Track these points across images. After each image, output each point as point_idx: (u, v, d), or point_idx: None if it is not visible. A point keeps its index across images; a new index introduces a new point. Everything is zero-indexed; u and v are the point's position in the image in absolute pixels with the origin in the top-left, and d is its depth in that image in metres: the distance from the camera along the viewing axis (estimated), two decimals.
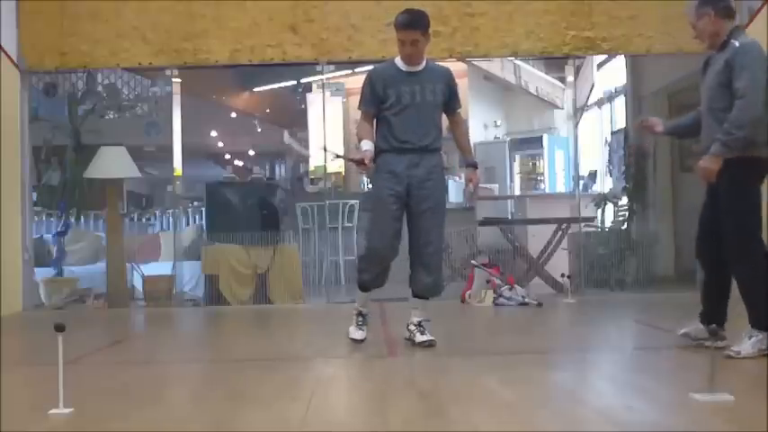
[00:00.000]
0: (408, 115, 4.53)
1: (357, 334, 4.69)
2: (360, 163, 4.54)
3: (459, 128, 4.81)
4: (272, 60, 7.91)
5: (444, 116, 4.74)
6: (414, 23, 4.48)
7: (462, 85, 11.46)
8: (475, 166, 4.73)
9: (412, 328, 4.59)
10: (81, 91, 11.23)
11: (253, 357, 4.63)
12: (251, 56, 7.86)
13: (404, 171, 4.52)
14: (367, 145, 4.54)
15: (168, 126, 8.60)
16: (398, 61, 4.62)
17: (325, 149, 5.15)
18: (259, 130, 17.17)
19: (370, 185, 4.70)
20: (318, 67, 8.27)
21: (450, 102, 4.67)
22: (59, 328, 3.03)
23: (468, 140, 4.93)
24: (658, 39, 7.75)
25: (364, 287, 4.68)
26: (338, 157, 4.76)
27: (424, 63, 4.60)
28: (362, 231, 4.90)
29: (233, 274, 7.98)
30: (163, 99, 12.68)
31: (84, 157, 8.78)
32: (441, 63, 4.97)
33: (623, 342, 5.32)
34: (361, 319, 4.69)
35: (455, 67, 10.46)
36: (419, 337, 4.52)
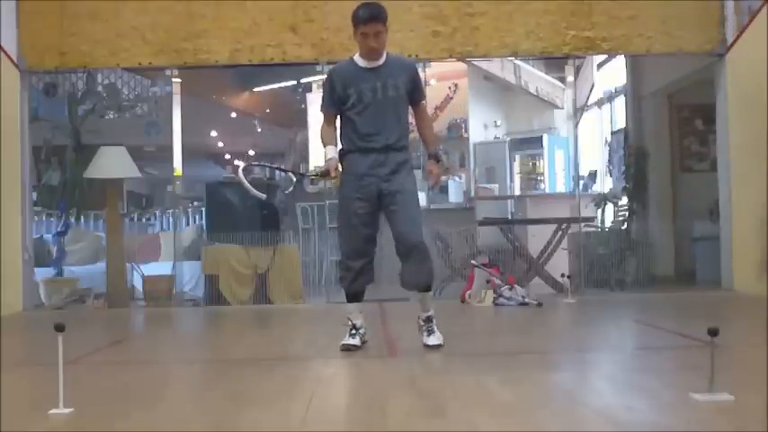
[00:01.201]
0: (371, 113, 4.45)
1: (349, 339, 4.51)
2: (326, 175, 4.46)
3: (423, 119, 4.70)
4: (272, 60, 7.92)
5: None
6: (376, 16, 4.43)
7: (462, 85, 11.56)
8: (437, 158, 4.60)
9: (421, 323, 4.52)
10: (81, 91, 11.22)
11: (253, 357, 4.63)
12: (251, 56, 7.87)
13: (369, 171, 4.43)
14: (331, 152, 4.47)
15: (168, 126, 8.60)
16: (357, 58, 4.56)
17: (284, 171, 4.94)
18: (259, 130, 17.16)
19: (338, 189, 4.60)
20: (318, 67, 8.26)
21: (414, 94, 4.57)
22: (59, 328, 3.03)
23: (433, 132, 4.82)
24: (658, 39, 7.76)
25: (346, 293, 4.58)
26: (303, 176, 4.61)
27: (384, 57, 4.52)
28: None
29: (233, 274, 7.99)
30: (163, 99, 12.66)
31: (84, 157, 8.79)
32: (402, 56, 4.86)
33: (623, 342, 5.32)
34: (354, 330, 4.53)
35: (455, 67, 10.60)
36: (427, 339, 4.46)
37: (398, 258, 4.49)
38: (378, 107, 4.45)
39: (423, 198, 9.44)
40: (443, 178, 11.09)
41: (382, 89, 4.45)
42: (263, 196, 4.82)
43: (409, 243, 4.42)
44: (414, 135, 4.80)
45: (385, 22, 4.46)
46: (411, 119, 4.63)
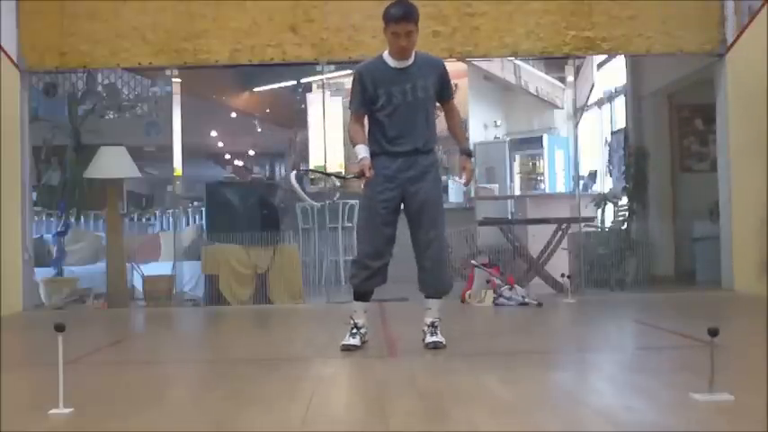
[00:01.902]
0: (400, 116, 4.40)
1: (349, 339, 4.48)
2: (361, 175, 4.38)
3: (452, 116, 4.66)
4: (272, 60, 7.92)
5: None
6: (408, 15, 4.37)
7: (462, 85, 11.54)
8: (469, 154, 4.60)
9: (425, 329, 4.49)
10: (81, 91, 11.23)
11: (253, 357, 4.63)
12: (251, 56, 7.86)
13: (396, 174, 4.40)
14: (363, 151, 4.39)
15: (168, 126, 8.60)
16: (387, 57, 4.47)
17: (328, 174, 4.90)
18: (259, 130, 17.16)
19: (363, 188, 4.54)
20: (318, 67, 8.27)
21: (443, 92, 4.54)
22: (59, 328, 3.03)
23: (462, 128, 4.77)
24: (658, 39, 7.76)
25: (354, 291, 4.54)
26: (344, 178, 4.57)
27: (413, 57, 4.46)
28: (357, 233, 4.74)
29: (233, 274, 7.99)
30: (163, 99, 12.67)
31: (84, 157, 8.79)
32: (430, 54, 4.84)
33: (623, 342, 5.32)
34: (355, 330, 4.49)
35: (455, 67, 10.58)
36: (428, 338, 4.44)
37: (417, 262, 4.47)
38: (407, 110, 4.39)
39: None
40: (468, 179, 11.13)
41: (412, 91, 4.40)
42: (316, 204, 4.86)
43: (429, 255, 4.42)
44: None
45: (417, 21, 4.41)
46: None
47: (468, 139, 4.90)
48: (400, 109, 4.39)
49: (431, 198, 4.44)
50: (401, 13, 4.37)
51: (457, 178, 11.37)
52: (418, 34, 4.45)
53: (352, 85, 4.55)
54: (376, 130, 4.47)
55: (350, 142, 4.54)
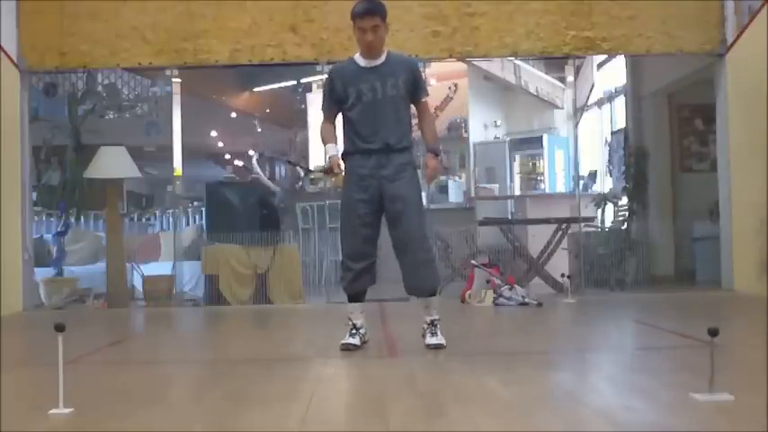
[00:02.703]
0: (370, 113, 4.40)
1: (349, 338, 4.47)
2: (329, 171, 4.43)
3: (423, 117, 4.62)
4: (272, 60, 7.92)
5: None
6: (373, 9, 4.39)
7: (462, 85, 11.56)
8: (434, 152, 4.53)
9: (424, 326, 4.48)
10: (81, 91, 11.23)
11: (253, 357, 4.63)
12: (251, 56, 7.86)
13: (371, 172, 4.39)
14: (332, 149, 4.44)
15: (168, 126, 8.60)
16: (358, 57, 4.52)
17: (291, 163, 4.98)
18: (259, 130, 17.17)
19: (340, 188, 4.57)
20: (318, 67, 8.26)
21: (416, 92, 4.51)
22: (59, 328, 3.03)
23: (433, 129, 4.69)
24: (658, 39, 7.76)
25: (346, 294, 4.54)
26: (309, 171, 4.61)
27: (384, 55, 4.47)
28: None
29: (233, 274, 7.99)
30: (163, 99, 12.68)
31: (84, 157, 8.79)
32: (404, 54, 4.81)
33: (623, 342, 5.32)
34: (354, 330, 4.49)
35: (455, 67, 10.59)
36: (429, 339, 4.42)
37: (399, 263, 4.44)
38: (377, 107, 4.40)
39: (423, 198, 9.53)
40: (442, 177, 11.13)
41: (381, 88, 4.40)
42: (277, 189, 4.87)
43: (409, 254, 4.37)
44: (416, 134, 4.77)
45: (383, 17, 4.41)
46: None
47: (439, 141, 4.85)
48: (370, 106, 4.40)
49: (407, 196, 4.41)
50: (364, 7, 4.42)
51: (464, 175, 11.39)
52: (387, 31, 4.47)
53: (323, 86, 4.61)
54: (348, 128, 4.49)
55: (321, 142, 4.57)
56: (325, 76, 4.79)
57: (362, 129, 4.43)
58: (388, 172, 4.40)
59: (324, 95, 4.57)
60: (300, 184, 4.37)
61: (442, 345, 4.39)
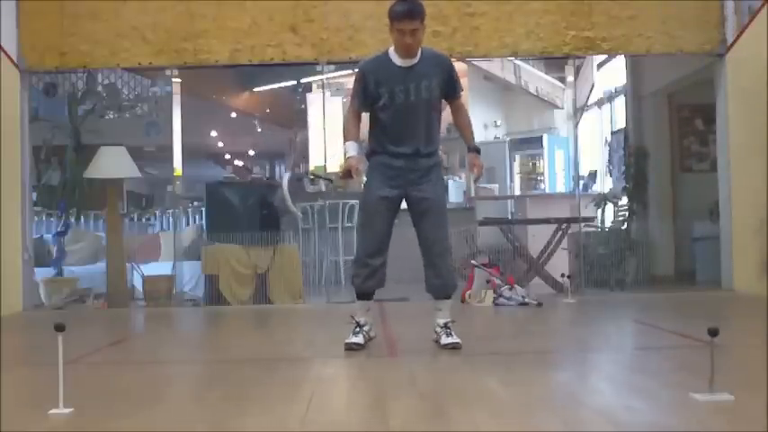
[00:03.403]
0: (402, 116, 4.30)
1: (353, 338, 4.41)
2: (345, 175, 4.29)
3: (459, 114, 4.54)
4: (272, 60, 7.92)
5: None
6: (414, 12, 4.23)
7: (462, 86, 11.54)
8: (477, 151, 4.46)
9: (438, 329, 4.43)
10: (81, 91, 11.24)
11: (253, 357, 4.63)
12: (251, 56, 7.86)
13: (398, 174, 4.33)
14: (351, 149, 4.29)
15: (168, 126, 8.60)
16: (392, 54, 4.34)
17: (316, 176, 4.84)
18: (259, 130, 17.17)
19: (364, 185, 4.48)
20: (318, 67, 8.27)
21: (450, 90, 4.42)
22: (59, 328, 3.03)
23: (470, 125, 4.59)
24: (658, 39, 7.76)
25: (357, 291, 4.47)
26: (331, 181, 4.52)
27: (419, 54, 4.33)
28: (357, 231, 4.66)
29: (233, 274, 7.98)
30: (163, 99, 12.68)
31: (84, 157, 8.80)
32: (436, 50, 4.67)
33: (623, 342, 5.32)
34: (357, 328, 4.43)
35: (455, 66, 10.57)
36: (444, 339, 4.38)
37: (423, 263, 4.43)
38: (409, 110, 4.29)
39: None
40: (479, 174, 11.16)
41: (415, 91, 4.28)
42: (299, 214, 4.83)
43: (433, 255, 4.37)
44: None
45: (423, 19, 4.28)
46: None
47: (474, 137, 4.79)
48: (403, 109, 4.29)
49: (435, 199, 4.38)
50: (406, 9, 4.25)
51: (464, 175, 11.37)
52: (425, 32, 4.34)
53: (355, 81, 4.44)
54: (378, 128, 4.39)
55: (343, 136, 4.44)
56: (355, 70, 4.55)
57: (393, 131, 4.33)
58: (416, 175, 4.34)
59: (354, 92, 4.42)
60: (326, 199, 4.36)
61: (458, 344, 4.33)
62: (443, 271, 4.41)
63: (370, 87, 4.34)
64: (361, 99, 4.39)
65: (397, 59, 4.33)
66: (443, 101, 4.46)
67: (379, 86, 4.31)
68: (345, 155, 4.33)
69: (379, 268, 4.38)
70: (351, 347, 4.38)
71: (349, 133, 4.37)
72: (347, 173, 4.28)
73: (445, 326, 4.42)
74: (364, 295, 4.47)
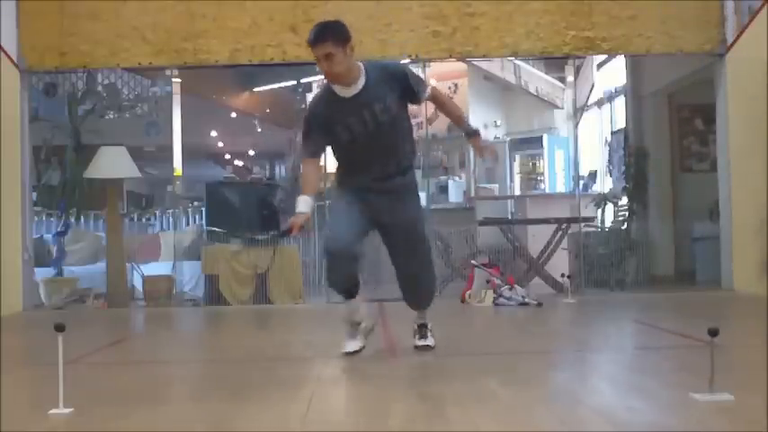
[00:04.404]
0: (365, 147, 3.95)
1: (350, 345, 4.12)
2: (288, 232, 3.93)
3: (441, 103, 4.25)
4: (272, 60, 7.92)
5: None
6: (320, 36, 3.93)
7: (462, 85, 11.55)
8: (475, 133, 4.23)
9: (415, 327, 4.43)
10: (81, 91, 11.22)
11: (253, 357, 4.63)
12: (251, 56, 7.87)
13: (367, 195, 4.02)
14: (302, 205, 3.88)
15: (168, 126, 8.61)
16: (335, 86, 3.98)
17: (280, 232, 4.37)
18: (259, 130, 17.16)
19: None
20: (318, 67, 8.25)
21: (415, 95, 4.04)
22: (59, 328, 3.03)
23: (458, 108, 4.35)
24: (658, 39, 7.76)
25: (339, 293, 4.13)
26: (282, 234, 4.31)
27: (362, 78, 3.92)
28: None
29: (233, 274, 7.99)
30: (163, 99, 12.67)
31: (84, 157, 8.79)
32: (384, 62, 4.40)
33: (623, 342, 5.32)
34: (352, 330, 4.15)
35: (455, 67, 10.59)
36: (417, 341, 4.38)
37: (397, 278, 4.25)
38: (371, 139, 3.93)
39: (423, 198, 9.54)
40: (441, 177, 11.15)
41: (372, 118, 3.90)
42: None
43: (412, 277, 4.21)
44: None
45: (338, 41, 3.90)
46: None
47: (466, 117, 4.54)
48: (363, 141, 3.93)
49: (409, 221, 4.12)
50: (312, 34, 3.97)
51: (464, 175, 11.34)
52: (351, 53, 3.92)
53: (304, 126, 4.06)
54: (342, 161, 4.12)
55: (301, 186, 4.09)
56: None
57: (359, 163, 4.04)
58: (387, 199, 4.06)
59: (305, 136, 4.03)
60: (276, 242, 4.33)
61: (430, 346, 4.33)
62: (422, 293, 4.30)
63: (320, 129, 3.98)
64: (311, 143, 4.01)
65: (340, 90, 3.96)
66: (414, 105, 4.18)
67: (332, 126, 3.94)
68: (297, 207, 3.93)
69: (352, 268, 3.99)
70: (349, 354, 4.15)
71: (306, 185, 4.03)
72: (289, 231, 3.93)
73: (420, 327, 4.39)
74: (347, 292, 4.08)
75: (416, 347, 4.37)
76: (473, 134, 4.24)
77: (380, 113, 3.92)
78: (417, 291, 4.31)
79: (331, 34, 3.94)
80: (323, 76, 4.05)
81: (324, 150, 4.12)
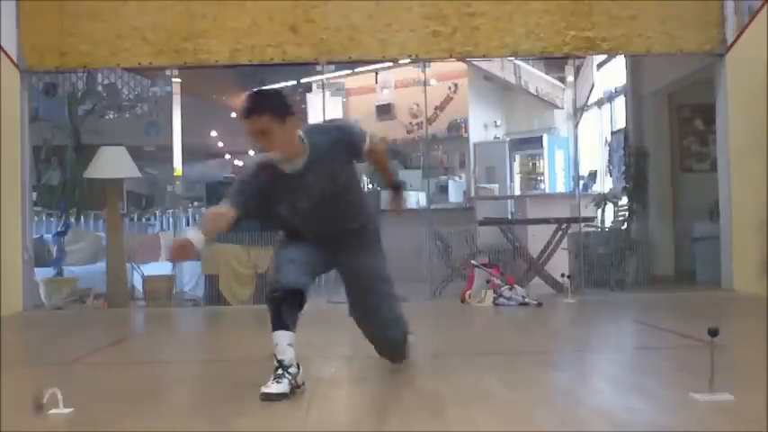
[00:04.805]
0: (314, 216, 3.53)
1: (273, 386, 3.24)
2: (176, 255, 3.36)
3: (376, 158, 3.72)
4: (272, 60, 7.92)
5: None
6: (254, 109, 3.36)
7: (462, 85, 11.55)
8: (396, 187, 3.91)
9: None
10: (81, 91, 11.22)
11: (253, 357, 4.62)
12: (251, 56, 7.87)
13: (324, 240, 3.61)
14: (193, 233, 3.28)
15: (168, 126, 8.61)
16: (276, 157, 3.40)
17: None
18: None
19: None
20: (318, 67, 8.27)
21: (355, 154, 3.56)
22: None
23: (386, 165, 3.89)
24: (658, 39, 7.76)
25: (273, 313, 3.46)
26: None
27: (306, 146, 3.42)
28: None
29: (233, 274, 7.99)
30: (163, 99, 12.68)
31: (84, 157, 8.78)
32: (320, 125, 4.04)
33: (623, 342, 5.32)
34: (280, 370, 3.29)
35: (455, 67, 10.59)
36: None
37: (364, 333, 3.84)
38: (322, 209, 3.51)
39: (423, 198, 9.57)
40: (442, 177, 11.17)
41: (320, 192, 3.46)
42: None
43: (376, 322, 3.74)
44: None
45: (277, 113, 3.35)
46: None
47: (395, 173, 4.28)
48: (313, 212, 3.52)
49: (369, 267, 3.70)
50: (246, 107, 3.41)
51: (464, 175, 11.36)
52: (294, 123, 3.39)
53: (234, 186, 3.49)
54: (284, 229, 3.70)
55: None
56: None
57: (308, 231, 3.60)
58: (344, 255, 3.68)
59: (232, 193, 3.40)
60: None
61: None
62: (386, 351, 3.86)
63: (257, 202, 3.45)
64: (240, 206, 3.35)
65: (283, 165, 3.42)
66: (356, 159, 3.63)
67: (277, 203, 3.52)
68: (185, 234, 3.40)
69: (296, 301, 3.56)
70: (269, 398, 3.21)
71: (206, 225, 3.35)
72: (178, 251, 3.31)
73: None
74: (281, 323, 3.45)
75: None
76: (397, 187, 3.95)
77: (330, 183, 3.48)
78: (384, 346, 3.85)
79: (269, 105, 3.38)
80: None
81: (246, 216, 3.46)
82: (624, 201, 9.68)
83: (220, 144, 18.17)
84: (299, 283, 3.52)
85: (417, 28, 7.74)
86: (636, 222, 9.52)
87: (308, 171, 3.44)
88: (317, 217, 3.55)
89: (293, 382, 3.29)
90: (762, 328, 4.88)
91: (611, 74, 10.58)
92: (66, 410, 2.97)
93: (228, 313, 7.57)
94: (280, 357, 3.32)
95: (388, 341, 3.80)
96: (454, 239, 8.49)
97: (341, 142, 3.52)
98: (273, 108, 3.37)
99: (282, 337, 3.38)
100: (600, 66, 10.75)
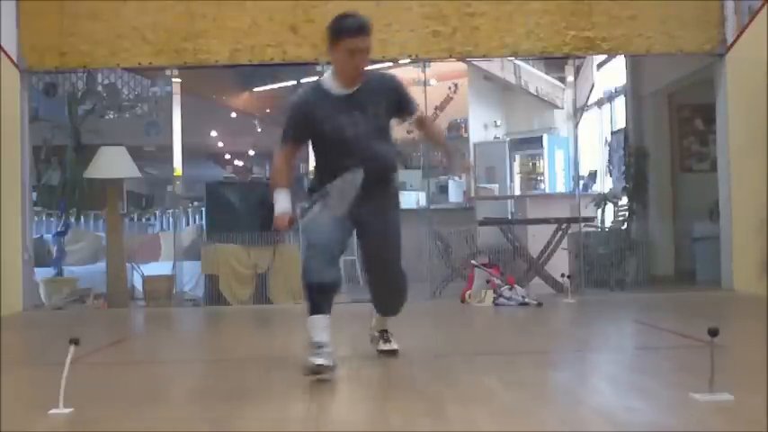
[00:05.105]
0: (353, 148, 3.76)
1: (318, 358, 3.53)
2: (277, 230, 3.87)
3: (426, 127, 4.14)
4: (272, 60, 7.93)
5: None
6: (367, 27, 3.70)
7: (462, 85, 11.55)
8: (457, 151, 4.21)
9: (376, 334, 4.25)
10: (81, 91, 11.22)
11: (253, 357, 4.63)
12: (251, 56, 7.87)
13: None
14: (282, 200, 3.74)
15: (168, 126, 8.60)
16: (329, 83, 3.81)
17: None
18: (259, 130, 17.17)
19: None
20: (318, 67, 8.26)
21: (403, 109, 3.93)
22: (75, 342, 3.02)
23: (439, 133, 4.25)
24: (658, 39, 7.77)
25: (312, 301, 3.66)
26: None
27: (363, 78, 3.81)
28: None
29: (233, 274, 7.99)
30: (163, 99, 12.67)
31: (84, 157, 8.79)
32: (380, 72, 4.24)
33: (623, 342, 5.32)
34: (318, 350, 3.56)
35: (455, 67, 10.59)
36: (381, 345, 4.23)
37: (370, 288, 4.14)
38: (360, 140, 3.77)
39: (422, 198, 9.58)
40: (441, 177, 11.14)
41: (364, 119, 3.77)
42: None
43: (387, 276, 4.05)
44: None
45: (370, 38, 3.76)
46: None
47: (446, 140, 4.50)
48: (352, 141, 3.77)
49: (390, 231, 3.97)
50: (358, 24, 3.70)
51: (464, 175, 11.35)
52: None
53: (288, 118, 3.88)
54: (324, 163, 3.90)
55: (270, 183, 3.91)
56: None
57: (342, 165, 3.78)
58: (372, 205, 3.84)
59: (288, 128, 3.85)
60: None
61: (395, 350, 4.21)
62: (397, 295, 4.12)
63: (307, 124, 3.81)
64: (292, 135, 3.84)
65: (335, 88, 3.80)
66: (400, 120, 4.04)
67: (321, 123, 3.78)
68: (276, 207, 3.80)
69: (334, 265, 3.76)
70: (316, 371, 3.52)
71: (279, 179, 3.86)
72: (276, 229, 3.85)
73: (381, 333, 4.26)
74: (320, 300, 3.64)
75: (381, 352, 4.21)
76: (453, 153, 4.22)
77: (372, 117, 3.80)
78: (391, 294, 4.13)
79: (370, 29, 3.74)
80: (329, 74, 3.84)
81: (301, 146, 3.96)
82: (624, 201, 9.68)
83: (220, 144, 18.18)
84: (331, 276, 3.69)
85: (417, 28, 7.74)
86: (636, 222, 9.52)
87: (358, 97, 3.76)
88: (358, 147, 3.77)
89: (330, 359, 3.56)
90: (762, 328, 4.88)
91: (611, 74, 10.59)
92: (67, 410, 2.97)
93: (228, 313, 7.57)
94: (317, 339, 3.58)
95: (399, 290, 4.09)
96: (454, 239, 8.49)
97: (396, 93, 3.89)
98: (370, 31, 3.72)
99: (317, 320, 3.63)
100: (600, 66, 10.75)
